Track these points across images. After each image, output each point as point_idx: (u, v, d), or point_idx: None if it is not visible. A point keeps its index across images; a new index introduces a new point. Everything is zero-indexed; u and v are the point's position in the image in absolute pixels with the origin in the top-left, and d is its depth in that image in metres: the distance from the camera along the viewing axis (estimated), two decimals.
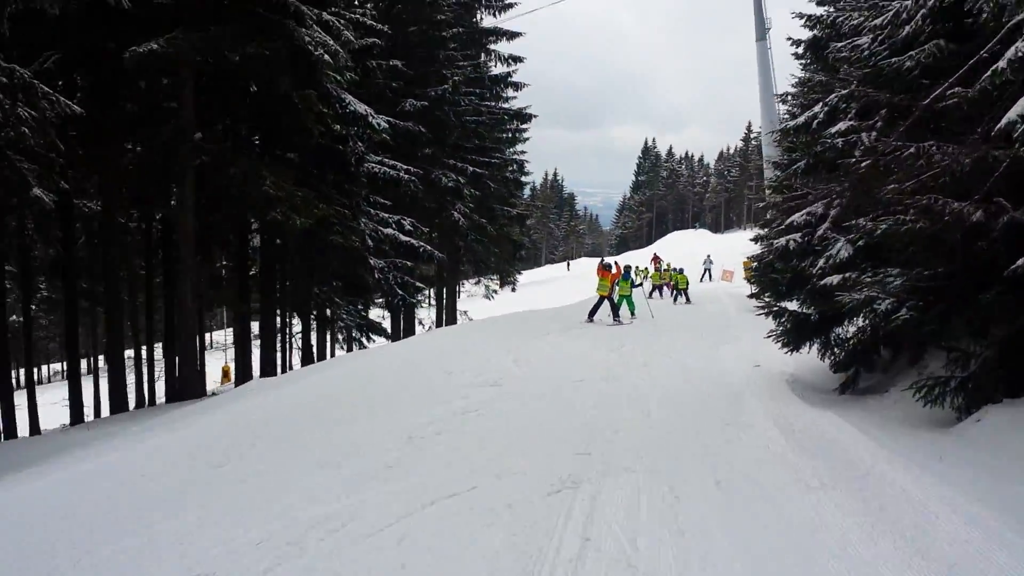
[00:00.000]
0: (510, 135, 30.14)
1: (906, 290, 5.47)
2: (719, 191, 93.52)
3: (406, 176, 17.55)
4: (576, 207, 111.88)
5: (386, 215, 18.87)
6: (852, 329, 7.15)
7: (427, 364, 9.39)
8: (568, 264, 76.56)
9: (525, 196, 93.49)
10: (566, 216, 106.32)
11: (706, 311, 19.05)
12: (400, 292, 17.57)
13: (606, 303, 14.60)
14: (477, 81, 26.68)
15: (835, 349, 7.23)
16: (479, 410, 6.57)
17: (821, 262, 6.64)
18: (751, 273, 21.91)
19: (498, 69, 27.55)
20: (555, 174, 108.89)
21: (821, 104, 7.46)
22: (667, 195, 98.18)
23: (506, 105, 28.86)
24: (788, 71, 45.92)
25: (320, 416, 6.78)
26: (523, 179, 31.15)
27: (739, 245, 49.73)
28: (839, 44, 8.17)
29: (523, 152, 30.89)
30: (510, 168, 29.67)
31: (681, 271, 27.59)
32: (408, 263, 17.70)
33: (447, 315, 28.34)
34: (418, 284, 18.60)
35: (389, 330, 22.84)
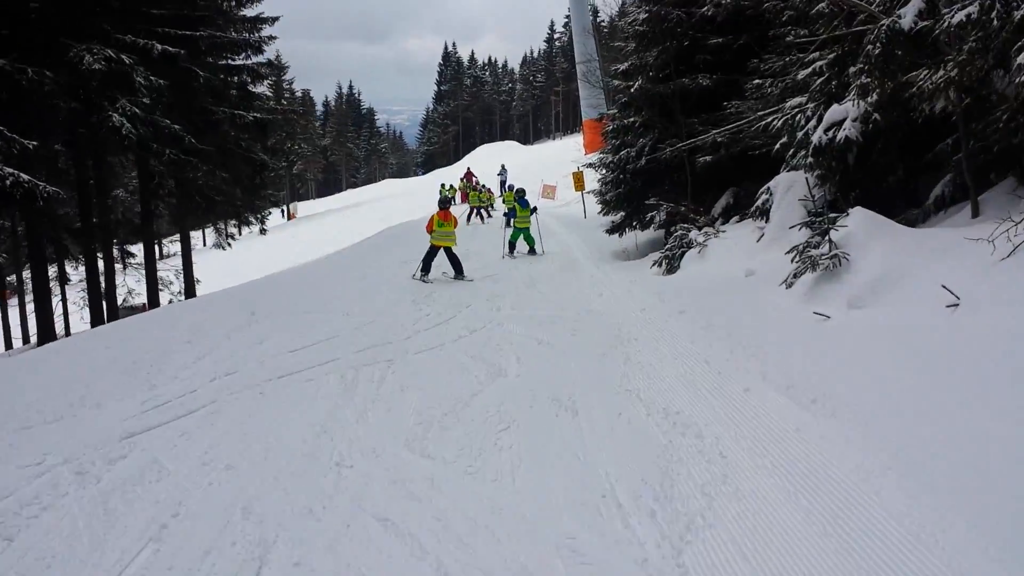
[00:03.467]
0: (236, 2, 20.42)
1: None
2: (526, 98, 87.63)
3: None
4: (378, 124, 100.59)
5: None
6: None
7: None
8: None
9: (320, 116, 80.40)
10: (366, 134, 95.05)
11: (553, 267, 11.71)
12: None
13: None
14: None
15: None
16: None
17: None
18: (601, 190, 15.45)
19: None
20: (350, 88, 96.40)
21: None
22: (472, 105, 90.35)
23: None
24: None
25: None
26: (266, 71, 21.62)
27: (555, 155, 44.16)
28: None
29: (272, 38, 21.20)
30: (241, 52, 20.17)
31: (488, 188, 25.93)
32: None
33: (185, 281, 19.03)
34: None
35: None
